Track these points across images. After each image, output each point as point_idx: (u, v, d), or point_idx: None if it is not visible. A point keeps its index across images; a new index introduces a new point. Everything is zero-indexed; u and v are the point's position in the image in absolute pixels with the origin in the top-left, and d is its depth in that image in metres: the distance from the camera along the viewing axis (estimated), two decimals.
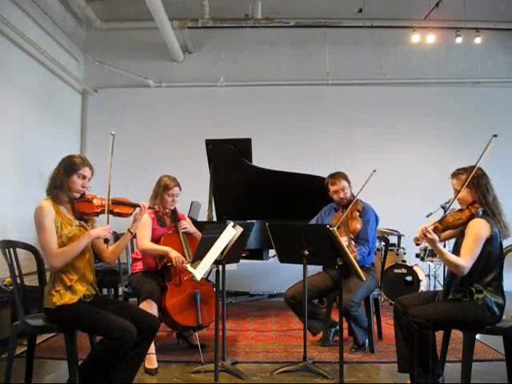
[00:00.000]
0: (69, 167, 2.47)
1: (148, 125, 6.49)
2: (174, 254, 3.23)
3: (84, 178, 2.49)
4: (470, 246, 2.40)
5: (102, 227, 2.50)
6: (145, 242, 3.28)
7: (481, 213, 2.46)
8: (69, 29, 6.09)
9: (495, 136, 2.45)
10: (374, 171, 3.11)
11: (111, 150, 2.56)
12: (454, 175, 2.60)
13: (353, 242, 3.29)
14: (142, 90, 6.60)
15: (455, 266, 2.39)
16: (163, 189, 3.37)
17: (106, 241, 2.51)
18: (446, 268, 2.70)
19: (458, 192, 2.54)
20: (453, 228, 2.56)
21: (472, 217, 2.47)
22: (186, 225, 3.47)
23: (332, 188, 3.58)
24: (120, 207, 2.58)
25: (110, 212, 2.53)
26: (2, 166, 4.61)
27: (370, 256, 3.55)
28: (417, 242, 2.45)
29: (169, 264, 3.26)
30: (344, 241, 3.00)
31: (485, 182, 2.54)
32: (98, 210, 2.52)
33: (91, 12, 6.18)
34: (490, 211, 2.48)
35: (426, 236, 2.37)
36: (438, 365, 2.55)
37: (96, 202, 2.54)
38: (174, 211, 3.48)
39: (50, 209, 2.39)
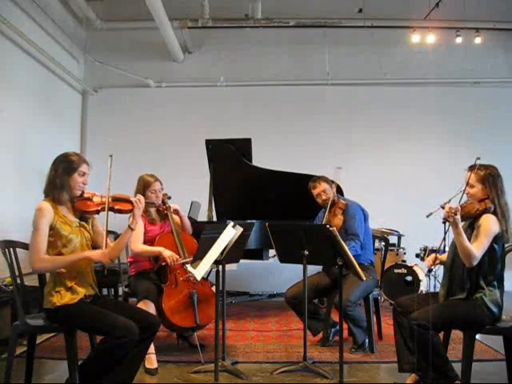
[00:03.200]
0: (68, 166, 2.45)
1: (148, 125, 6.48)
2: (167, 253, 3.21)
3: (84, 174, 2.49)
4: (481, 240, 2.42)
5: (102, 251, 2.44)
6: (137, 245, 3.25)
7: (492, 209, 2.47)
8: (69, 29, 6.09)
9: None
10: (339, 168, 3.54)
11: (109, 172, 2.50)
12: (473, 169, 2.53)
13: None
14: (142, 90, 6.60)
15: (469, 253, 2.38)
16: (144, 187, 3.35)
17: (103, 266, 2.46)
18: (445, 268, 2.68)
19: (471, 186, 2.53)
20: (467, 217, 2.53)
21: (485, 211, 2.47)
22: (176, 207, 3.45)
23: (314, 192, 3.64)
24: (120, 204, 2.57)
25: (111, 209, 2.52)
26: (1, 166, 4.61)
27: (364, 251, 3.53)
28: (447, 219, 2.34)
29: (164, 264, 3.23)
30: None
31: (500, 184, 2.53)
32: (99, 208, 2.51)
33: (91, 12, 6.17)
34: (500, 212, 2.48)
35: (455, 215, 2.32)
36: (450, 367, 2.49)
37: (96, 199, 2.53)
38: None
39: (50, 210, 2.38)
